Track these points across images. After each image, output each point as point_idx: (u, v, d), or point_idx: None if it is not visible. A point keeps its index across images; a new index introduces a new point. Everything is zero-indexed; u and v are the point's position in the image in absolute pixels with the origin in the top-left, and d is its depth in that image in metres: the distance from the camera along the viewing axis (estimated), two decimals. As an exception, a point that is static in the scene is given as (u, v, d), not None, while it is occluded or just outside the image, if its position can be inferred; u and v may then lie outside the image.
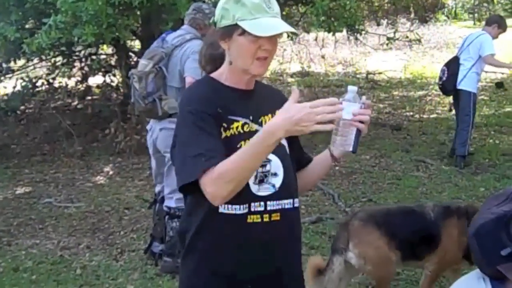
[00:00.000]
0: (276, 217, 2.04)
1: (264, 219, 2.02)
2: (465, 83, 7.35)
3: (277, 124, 1.82)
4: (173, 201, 4.60)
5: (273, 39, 1.99)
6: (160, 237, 4.80)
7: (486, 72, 14.17)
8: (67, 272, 4.81)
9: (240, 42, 1.98)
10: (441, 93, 12.31)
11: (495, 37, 7.48)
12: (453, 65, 7.47)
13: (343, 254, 3.76)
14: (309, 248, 4.95)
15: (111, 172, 7.60)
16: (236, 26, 1.97)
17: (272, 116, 2.07)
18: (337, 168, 7.20)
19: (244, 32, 1.95)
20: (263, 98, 2.15)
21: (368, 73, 14.59)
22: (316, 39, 13.97)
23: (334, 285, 3.78)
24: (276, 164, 2.05)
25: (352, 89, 2.01)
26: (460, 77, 7.36)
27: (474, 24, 26.43)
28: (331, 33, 8.73)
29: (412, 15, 20.37)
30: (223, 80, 2.09)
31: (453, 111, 8.14)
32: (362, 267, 3.81)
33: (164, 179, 4.71)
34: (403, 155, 7.79)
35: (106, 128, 8.58)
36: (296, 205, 2.12)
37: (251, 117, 2.06)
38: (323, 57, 15.40)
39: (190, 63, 4.42)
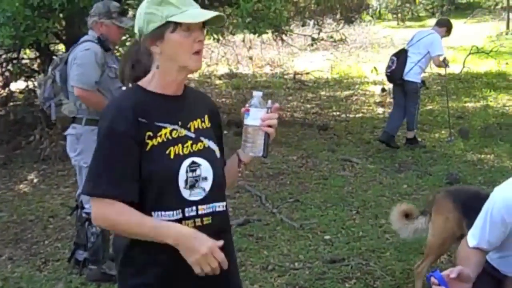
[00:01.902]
0: (207, 220, 2.07)
1: (197, 224, 2.05)
2: (410, 75, 7.95)
3: (178, 238, 1.96)
4: (92, 206, 4.52)
5: (203, 31, 2.06)
6: (83, 244, 4.70)
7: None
8: (-12, 285, 4.67)
9: (174, 39, 2.00)
10: (366, 92, 12.72)
11: (442, 37, 8.12)
12: (402, 57, 8.03)
13: (427, 216, 4.19)
14: (237, 251, 4.89)
15: (35, 180, 7.40)
16: (167, 24, 2.00)
17: (201, 121, 2.15)
18: (264, 169, 7.27)
19: (176, 28, 1.99)
20: (192, 103, 2.18)
21: (295, 73, 14.74)
22: (243, 41, 14.02)
23: (408, 234, 4.31)
24: (206, 168, 2.08)
25: (257, 94, 2.09)
26: (406, 69, 7.92)
27: (398, 24, 27.10)
28: (257, 35, 8.77)
29: (338, 16, 20.73)
30: (151, 87, 2.08)
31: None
32: (428, 229, 4.16)
33: (79, 186, 4.65)
34: (329, 155, 7.91)
35: (30, 134, 8.37)
36: (225, 208, 2.17)
37: (179, 123, 2.08)
38: (250, 58, 15.48)
39: (73, 71, 4.43)
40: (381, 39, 20.08)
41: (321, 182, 6.83)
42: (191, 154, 2.06)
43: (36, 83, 9.55)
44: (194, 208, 2.04)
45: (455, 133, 8.76)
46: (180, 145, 2.05)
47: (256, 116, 2.06)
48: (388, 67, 8.21)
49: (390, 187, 6.55)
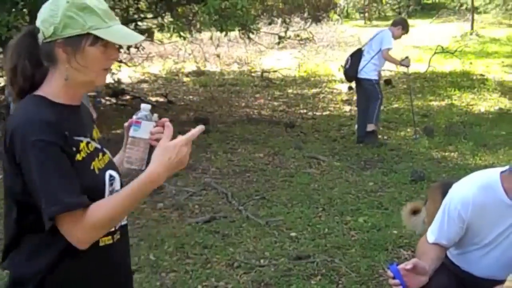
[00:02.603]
0: (117, 235, 1.98)
1: (115, 239, 1.96)
2: (364, 72, 8.17)
3: (160, 173, 1.84)
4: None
5: (118, 49, 1.96)
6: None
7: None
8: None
9: (91, 53, 1.83)
10: (333, 90, 12.83)
11: (398, 37, 8.32)
12: (355, 56, 8.31)
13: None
14: (203, 248, 4.94)
15: (0, 177, 7.28)
16: (86, 35, 1.82)
17: (96, 131, 2.02)
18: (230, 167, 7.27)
19: (96, 42, 1.83)
20: (84, 112, 2.04)
21: (263, 71, 14.79)
22: (211, 38, 14.01)
23: (418, 228, 4.30)
24: (118, 181, 1.99)
25: (145, 107, 2.05)
26: (360, 67, 8.16)
27: (365, 23, 27.34)
28: (224, 33, 8.76)
29: (306, 14, 20.84)
30: (58, 99, 1.87)
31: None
32: (426, 217, 4.17)
33: None
34: (296, 152, 7.92)
35: (-8, 131, 8.24)
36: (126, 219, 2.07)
37: (88, 135, 1.94)
38: (218, 56, 15.48)
39: None
40: (348, 38, 20.24)
41: (288, 179, 6.83)
42: (106, 167, 1.95)
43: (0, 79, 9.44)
44: None
45: (420, 131, 8.85)
46: (96, 159, 1.92)
47: (147, 130, 2.03)
48: (344, 66, 8.52)
49: (356, 185, 6.59)
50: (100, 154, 1.95)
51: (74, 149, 1.83)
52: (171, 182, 6.55)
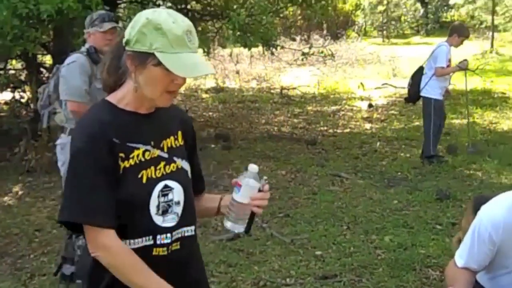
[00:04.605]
0: (176, 246, 1.99)
1: (169, 251, 1.97)
2: (426, 91, 7.92)
3: None
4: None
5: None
6: (71, 258, 4.60)
7: (395, 87, 14.66)
8: (-28, 300, 4.55)
9: (153, 73, 1.86)
10: (353, 108, 12.78)
11: (457, 45, 7.98)
12: (417, 75, 8.09)
13: None
14: (227, 266, 4.89)
15: (20, 192, 7.28)
16: (152, 55, 1.84)
17: (174, 139, 2.04)
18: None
19: (160, 63, 1.83)
20: (164, 120, 2.05)
21: (282, 88, 14.77)
22: (230, 55, 14.05)
23: None
24: (178, 192, 1.99)
25: (253, 169, 1.99)
26: (422, 85, 7.93)
27: (383, 41, 27.31)
28: (247, 49, 8.77)
29: (325, 32, 20.91)
30: (122, 105, 1.96)
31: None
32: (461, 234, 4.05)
33: None
34: (318, 170, 7.86)
35: (16, 146, 8.27)
36: (194, 232, 2.09)
37: (152, 143, 1.97)
38: (237, 72, 15.50)
39: (61, 86, 4.52)
40: (367, 55, 20.20)
41: (311, 197, 6.77)
42: (164, 177, 1.97)
43: (22, 94, 9.52)
44: (168, 235, 1.96)
45: (443, 149, 8.75)
46: (152, 167, 1.95)
47: (246, 194, 1.98)
48: (407, 87, 8.29)
49: (380, 203, 6.51)
50: (162, 163, 1.98)
51: (123, 155, 1.91)
52: (194, 199, 6.51)
